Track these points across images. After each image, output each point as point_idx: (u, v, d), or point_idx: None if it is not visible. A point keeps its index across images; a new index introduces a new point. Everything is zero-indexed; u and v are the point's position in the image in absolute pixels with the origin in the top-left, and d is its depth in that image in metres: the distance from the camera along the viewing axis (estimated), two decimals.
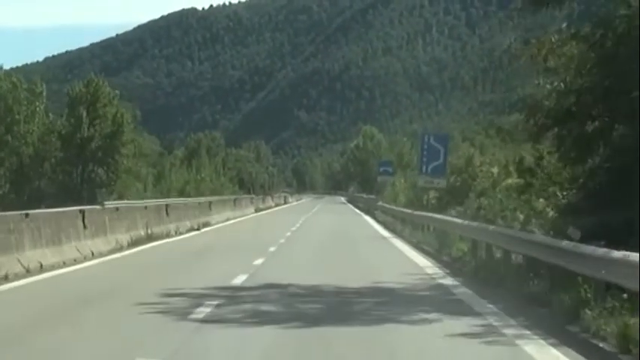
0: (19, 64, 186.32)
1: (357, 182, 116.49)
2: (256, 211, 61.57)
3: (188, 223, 33.54)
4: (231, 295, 13.09)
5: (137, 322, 10.52)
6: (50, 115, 62.17)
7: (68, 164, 60.80)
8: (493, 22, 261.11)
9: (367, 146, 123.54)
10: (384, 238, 31.29)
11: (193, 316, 10.79)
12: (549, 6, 16.53)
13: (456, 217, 24.41)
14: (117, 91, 64.14)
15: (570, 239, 11.58)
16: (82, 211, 21.02)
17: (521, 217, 19.95)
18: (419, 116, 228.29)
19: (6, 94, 57.90)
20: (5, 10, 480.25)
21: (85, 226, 20.67)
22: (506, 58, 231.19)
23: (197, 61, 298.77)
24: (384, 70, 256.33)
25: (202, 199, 45.54)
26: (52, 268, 17.09)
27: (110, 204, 31.29)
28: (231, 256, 21.38)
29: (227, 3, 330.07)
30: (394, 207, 43.55)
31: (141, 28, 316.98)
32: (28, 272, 16.00)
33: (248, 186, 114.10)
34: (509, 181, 27.81)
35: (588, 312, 9.91)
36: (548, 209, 19.11)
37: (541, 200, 20.18)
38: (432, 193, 35.56)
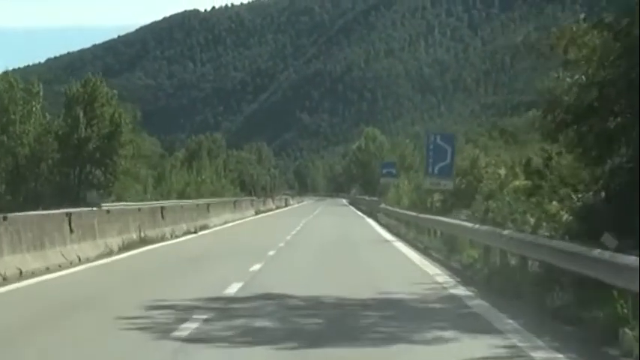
0: (21, 65, 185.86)
1: (359, 184, 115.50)
2: (256, 213, 60.53)
3: (184, 226, 32.46)
4: (223, 307, 11.83)
5: (112, 340, 9.26)
6: (47, 115, 61.05)
7: (65, 165, 59.67)
8: (495, 24, 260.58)
9: (369, 148, 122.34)
10: (387, 241, 30.06)
11: (177, 333, 9.52)
12: None
13: (466, 220, 23.28)
14: (115, 91, 62.93)
15: (605, 247, 10.28)
16: (69, 214, 19.84)
17: (532, 220, 19.03)
18: (421, 118, 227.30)
19: (2, 94, 56.82)
20: (6, 11, 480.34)
21: (71, 230, 19.50)
22: (509, 59, 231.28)
23: (199, 63, 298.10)
24: (386, 72, 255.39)
25: (200, 201, 44.34)
26: (33, 274, 15.91)
27: (107, 206, 30.13)
28: (226, 261, 20.19)
29: (229, 4, 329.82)
30: (398, 209, 42.54)
31: (143, 30, 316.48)
32: (5, 280, 14.80)
33: (249, 188, 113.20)
34: (517, 183, 27.03)
35: (628, 332, 8.61)
36: (562, 212, 17.99)
37: (554, 203, 19.10)
38: (437, 196, 34.62)
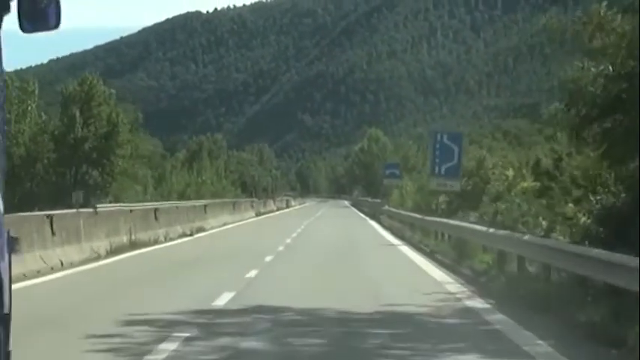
0: (23, 67, 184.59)
1: (362, 186, 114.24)
2: (257, 215, 59.13)
3: (179, 229, 31.11)
4: (209, 322, 10.40)
5: None
6: (44, 115, 59.81)
7: (61, 165, 58.43)
8: (498, 25, 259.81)
9: (372, 149, 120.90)
10: (392, 245, 28.66)
11: (151, 357, 8.11)
12: None
13: (475, 223, 21.96)
14: (112, 90, 61.65)
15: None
16: (50, 216, 18.46)
17: (544, 223, 17.89)
18: (423, 120, 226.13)
19: None
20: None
21: (53, 233, 18.12)
22: (511, 61, 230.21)
23: (201, 64, 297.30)
24: (389, 74, 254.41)
25: (197, 202, 42.94)
26: None
27: (103, 207, 28.68)
28: (220, 266, 18.81)
29: (232, 6, 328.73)
30: (402, 211, 41.28)
31: (145, 31, 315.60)
32: None
33: (250, 189, 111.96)
34: (525, 184, 26.06)
35: None
36: (579, 215, 16.73)
37: (570, 205, 17.86)
38: (442, 198, 33.49)
